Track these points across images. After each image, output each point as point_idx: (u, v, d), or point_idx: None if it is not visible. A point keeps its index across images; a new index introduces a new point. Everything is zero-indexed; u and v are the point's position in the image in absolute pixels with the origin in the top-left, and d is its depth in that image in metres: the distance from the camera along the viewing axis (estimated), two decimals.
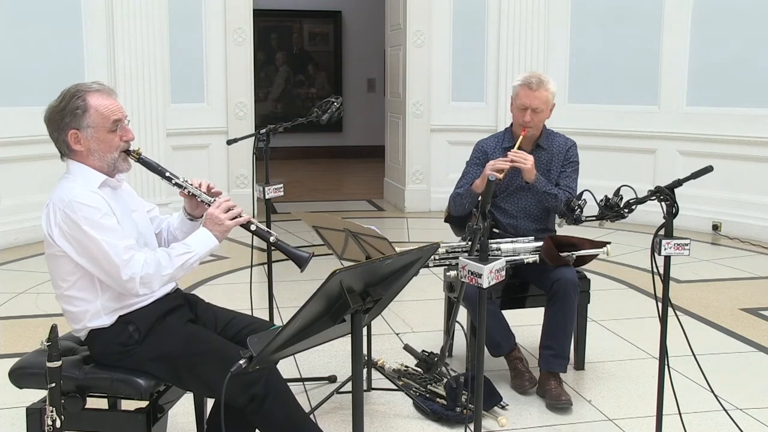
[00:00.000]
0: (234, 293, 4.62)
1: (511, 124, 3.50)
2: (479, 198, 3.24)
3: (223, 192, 2.55)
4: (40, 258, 5.59)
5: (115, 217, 2.28)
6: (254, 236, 2.42)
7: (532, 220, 3.46)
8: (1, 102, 5.87)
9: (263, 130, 3.36)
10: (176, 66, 6.78)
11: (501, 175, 3.20)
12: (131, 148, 2.39)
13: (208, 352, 2.26)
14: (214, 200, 2.43)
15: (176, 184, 2.44)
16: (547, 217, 3.49)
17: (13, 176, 5.93)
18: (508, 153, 3.30)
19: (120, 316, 2.31)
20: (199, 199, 2.45)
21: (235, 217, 2.38)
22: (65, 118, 2.30)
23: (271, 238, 2.39)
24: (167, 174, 2.44)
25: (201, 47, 6.94)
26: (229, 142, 3.65)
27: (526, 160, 3.27)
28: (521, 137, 3.37)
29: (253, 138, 3.40)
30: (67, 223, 2.21)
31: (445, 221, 3.65)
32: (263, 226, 2.44)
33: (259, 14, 8.05)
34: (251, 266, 3.56)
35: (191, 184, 2.45)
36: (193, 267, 2.35)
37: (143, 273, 2.22)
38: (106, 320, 2.30)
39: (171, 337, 2.29)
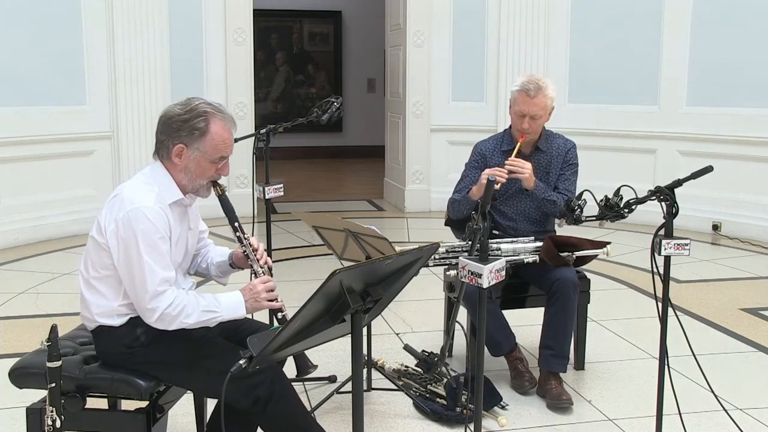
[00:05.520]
0: None
1: (510, 126, 3.49)
2: (477, 204, 3.23)
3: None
4: (40, 258, 5.60)
5: (170, 242, 2.27)
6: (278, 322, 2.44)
7: (531, 223, 3.45)
8: (2, 102, 5.87)
9: (263, 130, 3.36)
10: (176, 66, 6.78)
11: (497, 186, 3.18)
12: (220, 181, 2.41)
13: (212, 356, 2.26)
14: (263, 273, 2.44)
15: (239, 238, 2.45)
16: (546, 220, 3.48)
17: (13, 176, 5.93)
18: (506, 162, 3.27)
19: (131, 318, 2.30)
20: (249, 262, 2.46)
21: (272, 300, 2.40)
22: (182, 130, 2.28)
23: None
24: (236, 224, 2.45)
25: (201, 47, 6.94)
26: None
27: (524, 169, 3.25)
28: (519, 144, 3.34)
29: (253, 138, 3.40)
30: (125, 225, 2.20)
31: (446, 225, 3.64)
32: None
33: (259, 14, 8.05)
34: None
35: (251, 245, 2.46)
36: (211, 325, 2.35)
37: (166, 311, 2.21)
38: (117, 321, 2.30)
39: (177, 342, 2.29)
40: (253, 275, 2.46)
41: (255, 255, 2.46)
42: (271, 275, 2.47)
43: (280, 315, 2.42)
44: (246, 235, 2.46)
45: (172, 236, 2.29)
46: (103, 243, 2.25)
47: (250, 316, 2.47)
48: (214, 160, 2.32)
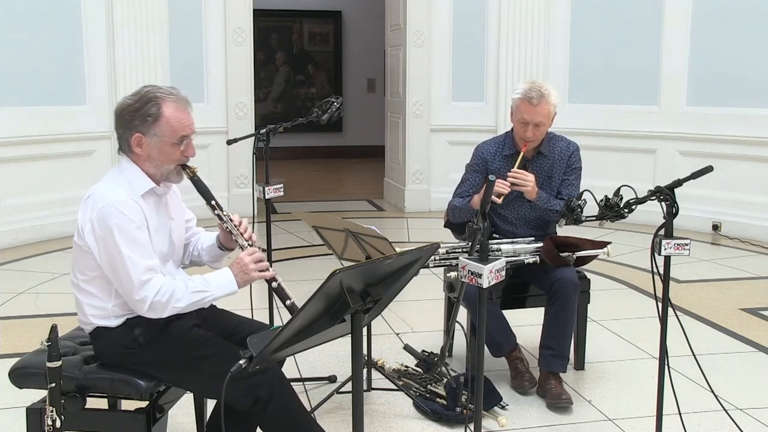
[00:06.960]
0: None
1: (512, 129, 3.43)
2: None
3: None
4: (40, 258, 5.60)
5: (148, 232, 2.27)
6: (274, 293, 2.41)
7: (531, 228, 3.44)
8: (2, 102, 5.87)
9: (263, 130, 3.36)
10: (176, 66, 6.78)
11: (500, 200, 3.18)
12: (189, 164, 2.39)
13: (211, 357, 2.26)
14: (249, 245, 2.42)
15: (218, 216, 2.43)
16: (546, 225, 3.46)
17: (13, 176, 5.93)
18: (508, 174, 3.25)
19: (127, 319, 2.31)
20: (234, 238, 2.45)
21: (263, 270, 2.37)
22: (135, 120, 2.28)
23: (288, 302, 2.39)
24: (213, 202, 2.43)
25: (201, 47, 6.94)
26: (229, 142, 3.65)
27: (526, 182, 3.24)
28: (521, 155, 3.32)
29: (253, 138, 3.40)
30: (100, 223, 2.20)
31: (445, 226, 3.64)
32: (285, 287, 2.42)
33: (259, 14, 8.05)
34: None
35: (231, 221, 2.43)
36: (205, 305, 2.34)
37: (155, 299, 2.21)
38: (113, 322, 2.30)
39: (175, 343, 2.29)
40: (239, 248, 2.44)
41: (238, 229, 2.44)
42: (259, 247, 2.45)
43: (274, 284, 2.40)
44: (225, 212, 2.44)
45: (150, 226, 2.28)
46: (83, 245, 2.25)
47: (248, 293, 2.42)
48: (176, 142, 2.30)
